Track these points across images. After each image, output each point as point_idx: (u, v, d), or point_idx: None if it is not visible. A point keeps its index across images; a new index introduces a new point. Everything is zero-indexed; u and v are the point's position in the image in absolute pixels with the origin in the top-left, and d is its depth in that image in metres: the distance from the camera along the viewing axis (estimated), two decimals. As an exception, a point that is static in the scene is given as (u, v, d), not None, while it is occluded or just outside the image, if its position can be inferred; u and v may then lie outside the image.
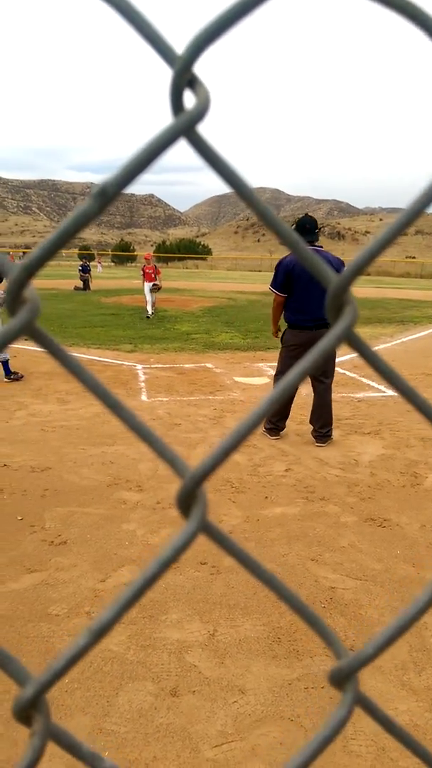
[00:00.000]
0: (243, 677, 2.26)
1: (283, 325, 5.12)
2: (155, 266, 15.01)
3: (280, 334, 5.27)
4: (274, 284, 4.90)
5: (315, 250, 4.79)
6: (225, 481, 4.17)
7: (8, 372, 7.25)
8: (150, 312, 14.48)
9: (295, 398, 5.23)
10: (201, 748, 1.93)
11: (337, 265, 4.83)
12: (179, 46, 0.25)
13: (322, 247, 4.96)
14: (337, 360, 5.42)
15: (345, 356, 8.86)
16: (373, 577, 2.98)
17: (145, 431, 0.29)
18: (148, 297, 14.53)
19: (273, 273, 4.97)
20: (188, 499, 0.28)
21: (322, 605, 2.73)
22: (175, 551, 0.27)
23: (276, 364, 5.35)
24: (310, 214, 5.12)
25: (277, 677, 2.27)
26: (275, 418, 5.19)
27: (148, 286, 14.63)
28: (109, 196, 0.24)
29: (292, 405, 5.21)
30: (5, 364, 7.24)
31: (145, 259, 15.75)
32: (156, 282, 14.63)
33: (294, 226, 4.92)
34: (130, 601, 0.27)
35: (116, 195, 0.25)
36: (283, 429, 5.27)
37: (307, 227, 4.86)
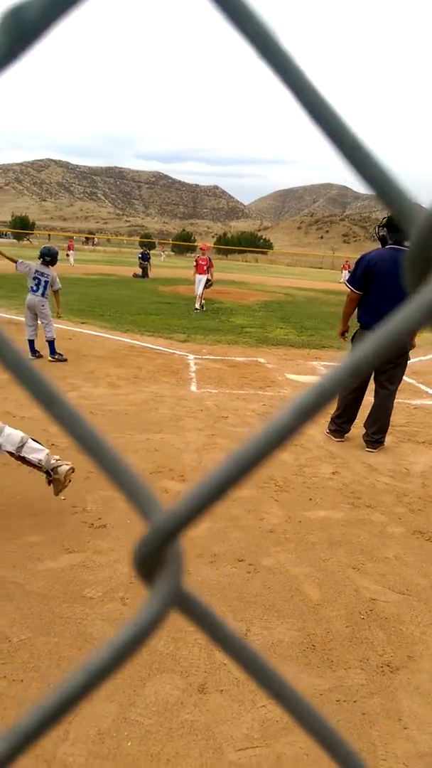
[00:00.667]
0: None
1: (354, 325, 4.91)
2: (209, 258, 14.42)
3: (347, 336, 5.00)
4: (351, 280, 4.71)
5: (402, 251, 4.59)
6: (269, 478, 4.10)
7: (53, 352, 7.37)
8: (198, 305, 14.00)
9: (363, 400, 5.01)
10: (225, 750, 1.88)
11: None
12: None
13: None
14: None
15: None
16: (417, 593, 2.85)
17: (98, 444, 0.20)
18: (198, 290, 13.98)
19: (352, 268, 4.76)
20: (152, 560, 0.19)
21: (361, 616, 2.63)
22: (126, 647, 0.18)
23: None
24: (384, 214, 4.85)
25: (309, 686, 2.19)
26: (340, 420, 5.04)
27: (199, 278, 14.02)
28: (25, 24, 0.14)
29: (360, 407, 5.02)
30: (51, 343, 7.36)
31: (201, 249, 14.94)
32: (208, 277, 14.13)
33: (385, 220, 4.65)
34: (39, 729, 0.19)
35: (41, 27, 0.14)
36: (348, 431, 5.11)
37: (398, 224, 4.61)
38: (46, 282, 7.37)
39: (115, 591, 2.68)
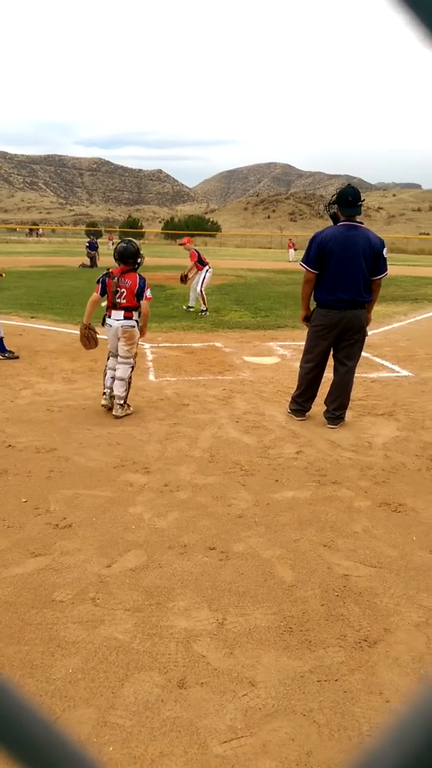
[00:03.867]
0: (253, 669, 2.18)
1: (311, 305, 4.84)
2: (197, 251, 11.86)
3: (307, 323, 4.88)
4: (306, 259, 4.62)
5: (355, 227, 4.55)
6: (234, 463, 4.07)
7: (3, 350, 7.08)
8: (204, 306, 11.70)
9: (322, 378, 5.03)
10: (209, 744, 1.84)
11: (378, 244, 4.50)
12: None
13: (362, 223, 4.59)
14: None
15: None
16: (388, 565, 2.88)
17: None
18: (198, 288, 11.66)
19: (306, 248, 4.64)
20: None
21: (336, 593, 2.64)
22: None
23: (300, 344, 5.04)
24: (352, 187, 4.60)
25: (289, 669, 2.18)
26: (301, 399, 5.04)
27: (198, 276, 11.64)
28: None
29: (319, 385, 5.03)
30: (0, 341, 7.04)
31: (185, 244, 12.23)
32: (188, 274, 11.85)
33: (334, 197, 4.57)
34: None
35: None
36: (309, 410, 5.12)
37: (350, 199, 4.46)
38: None
39: (85, 592, 2.61)
